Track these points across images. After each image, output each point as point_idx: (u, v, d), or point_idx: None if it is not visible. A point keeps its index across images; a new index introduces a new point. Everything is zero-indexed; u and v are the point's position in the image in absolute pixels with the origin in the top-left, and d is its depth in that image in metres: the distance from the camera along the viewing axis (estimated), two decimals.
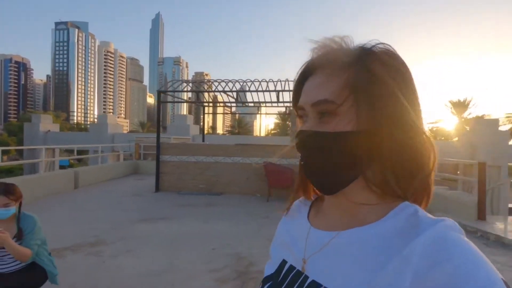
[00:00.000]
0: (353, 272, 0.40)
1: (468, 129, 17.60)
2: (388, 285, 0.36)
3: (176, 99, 9.62)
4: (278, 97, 7.97)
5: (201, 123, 11.48)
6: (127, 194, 7.34)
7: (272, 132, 48.94)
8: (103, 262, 3.43)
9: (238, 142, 8.80)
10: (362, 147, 0.41)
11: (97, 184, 8.57)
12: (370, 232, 0.42)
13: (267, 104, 10.22)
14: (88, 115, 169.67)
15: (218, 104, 11.61)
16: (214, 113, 13.09)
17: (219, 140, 20.86)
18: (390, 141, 0.41)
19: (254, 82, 8.25)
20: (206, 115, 11.40)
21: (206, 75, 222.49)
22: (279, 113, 39.83)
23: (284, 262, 0.51)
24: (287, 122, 47.33)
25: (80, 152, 23.50)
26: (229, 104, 10.55)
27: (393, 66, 0.43)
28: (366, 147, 0.41)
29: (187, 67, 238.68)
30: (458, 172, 11.66)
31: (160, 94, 7.80)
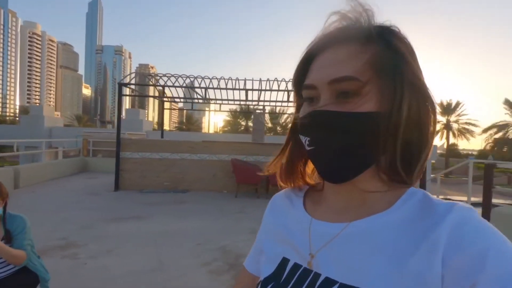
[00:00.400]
0: (375, 263, 0.37)
1: None
2: (419, 272, 0.34)
3: (134, 93, 9.11)
4: (246, 95, 8.14)
5: (160, 119, 11.04)
6: (82, 193, 6.78)
7: (224, 129, 48.79)
8: (85, 264, 3.23)
9: (203, 139, 8.74)
10: (384, 130, 0.39)
11: (42, 184, 7.70)
12: (384, 220, 0.40)
13: (229, 102, 10.32)
14: (8, 106, 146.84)
15: (179, 100, 11.27)
16: (173, 109, 12.49)
17: (179, 136, 20.15)
18: (409, 123, 0.39)
19: (220, 80, 8.29)
20: (152, 111, 10.96)
21: (152, 67, 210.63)
22: (230, 111, 39.92)
23: (285, 260, 0.47)
24: (238, 120, 47.67)
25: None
26: (190, 100, 10.35)
27: (411, 47, 0.41)
28: (387, 130, 0.39)
29: (130, 57, 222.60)
30: None
31: (121, 87, 7.34)
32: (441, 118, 33.21)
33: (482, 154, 26.95)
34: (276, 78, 8.19)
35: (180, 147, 7.70)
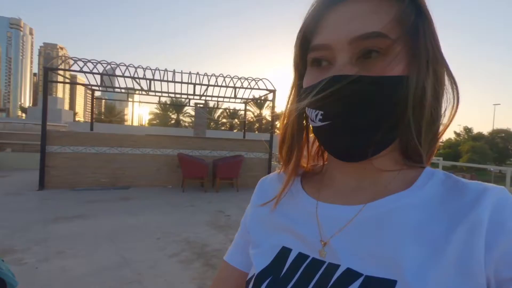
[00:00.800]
0: (407, 251, 0.32)
1: None
2: (459, 257, 0.30)
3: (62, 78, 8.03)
4: (194, 89, 8.05)
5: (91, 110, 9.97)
6: None
7: (152, 122, 45.90)
8: (36, 268, 2.94)
9: (132, 132, 8.32)
10: (412, 98, 0.33)
11: None
12: (407, 201, 0.35)
13: (170, 94, 10.00)
14: None
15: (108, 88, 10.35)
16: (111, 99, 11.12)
17: (110, 129, 18.20)
18: (433, 91, 0.35)
19: (164, 72, 8.01)
20: (58, 96, 9.83)
21: (61, 48, 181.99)
22: (160, 103, 37.90)
23: (285, 249, 0.40)
24: (169, 113, 45.60)
25: None
26: (125, 90, 9.62)
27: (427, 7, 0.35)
28: (414, 99, 0.34)
29: (31, 34, 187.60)
30: None
31: (48, 72, 6.44)
32: None
33: None
34: (221, 74, 8.35)
35: (121, 140, 7.21)
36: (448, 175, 0.37)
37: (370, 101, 0.33)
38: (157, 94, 10.05)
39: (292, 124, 0.42)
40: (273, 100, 7.89)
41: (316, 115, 0.36)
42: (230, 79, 8.38)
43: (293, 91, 0.42)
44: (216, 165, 7.35)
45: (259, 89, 7.90)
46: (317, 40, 0.36)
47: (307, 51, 0.38)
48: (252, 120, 39.44)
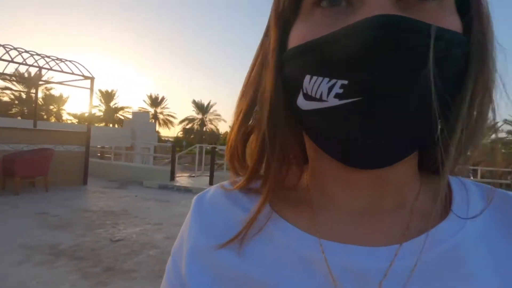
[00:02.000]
0: None
1: (129, 118, 21.72)
2: None
3: None
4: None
5: None
6: None
7: None
8: None
9: None
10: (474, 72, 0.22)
11: None
12: (465, 233, 0.23)
13: None
14: None
15: None
16: None
17: None
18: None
19: None
20: None
21: None
22: None
23: None
24: None
25: None
26: None
27: None
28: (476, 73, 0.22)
29: None
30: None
31: None
32: (150, 109, 38.75)
33: (176, 140, 34.95)
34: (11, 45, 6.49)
35: None
36: (478, 184, 0.27)
37: (433, 67, 0.19)
38: None
39: (271, 103, 0.24)
40: (91, 89, 7.19)
41: (330, 88, 0.21)
42: (23, 51, 6.67)
43: (273, 54, 0.25)
44: (13, 161, 5.85)
45: (73, 73, 6.92)
46: None
47: None
48: (12, 101, 29.86)
